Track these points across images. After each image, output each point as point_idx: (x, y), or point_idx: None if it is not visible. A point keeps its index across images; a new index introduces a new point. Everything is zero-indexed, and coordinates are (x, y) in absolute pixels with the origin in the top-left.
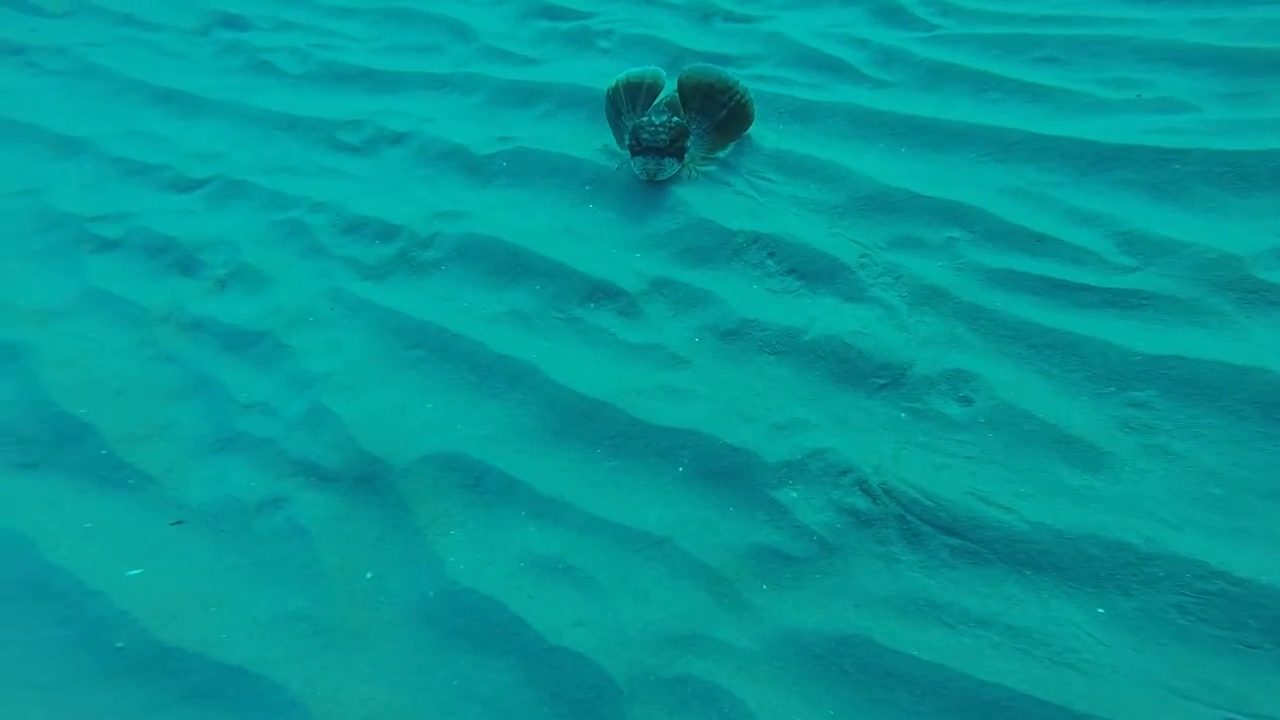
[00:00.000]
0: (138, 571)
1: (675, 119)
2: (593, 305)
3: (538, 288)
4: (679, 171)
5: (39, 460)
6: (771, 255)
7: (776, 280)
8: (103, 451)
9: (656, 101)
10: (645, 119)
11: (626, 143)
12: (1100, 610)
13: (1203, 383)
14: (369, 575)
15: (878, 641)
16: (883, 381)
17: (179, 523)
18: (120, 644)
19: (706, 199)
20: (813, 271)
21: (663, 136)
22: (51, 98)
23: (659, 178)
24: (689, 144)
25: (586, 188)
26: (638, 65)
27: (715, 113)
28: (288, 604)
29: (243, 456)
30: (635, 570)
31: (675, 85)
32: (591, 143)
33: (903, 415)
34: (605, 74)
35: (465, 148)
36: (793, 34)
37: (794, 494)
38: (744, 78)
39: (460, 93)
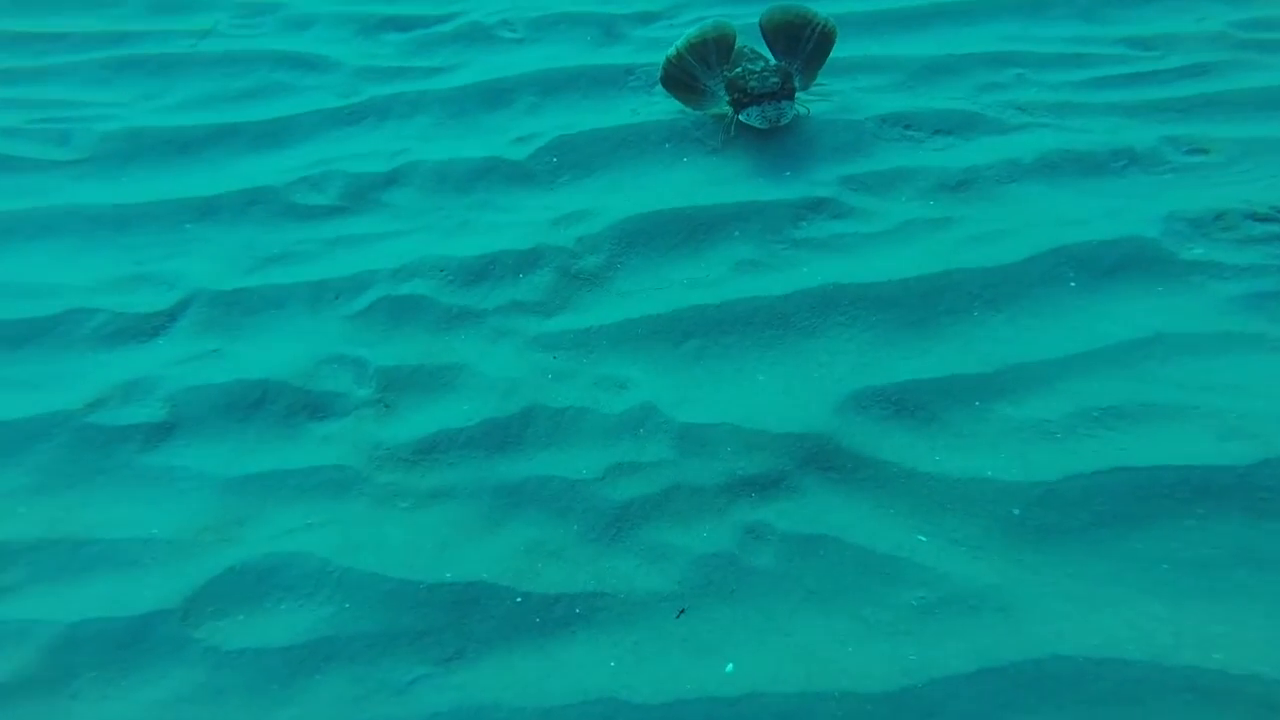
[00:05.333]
0: (730, 668)
1: (774, 62)
2: (805, 224)
3: (737, 234)
4: (794, 113)
5: (459, 651)
6: (907, 127)
7: (935, 140)
8: (517, 599)
9: (735, 54)
10: (740, 70)
11: (715, 100)
12: None
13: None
14: (920, 536)
15: None
16: (1123, 163)
17: (682, 612)
18: None
19: (800, 113)
20: (955, 126)
21: (773, 80)
22: None
23: (782, 123)
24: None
25: (667, 145)
26: (564, 40)
27: (802, 47)
28: (915, 594)
29: (663, 517)
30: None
31: (747, 34)
32: (621, 109)
33: (1169, 176)
34: (545, 59)
35: (497, 158)
36: None
37: (1198, 250)
38: (685, 24)
39: (398, 118)
